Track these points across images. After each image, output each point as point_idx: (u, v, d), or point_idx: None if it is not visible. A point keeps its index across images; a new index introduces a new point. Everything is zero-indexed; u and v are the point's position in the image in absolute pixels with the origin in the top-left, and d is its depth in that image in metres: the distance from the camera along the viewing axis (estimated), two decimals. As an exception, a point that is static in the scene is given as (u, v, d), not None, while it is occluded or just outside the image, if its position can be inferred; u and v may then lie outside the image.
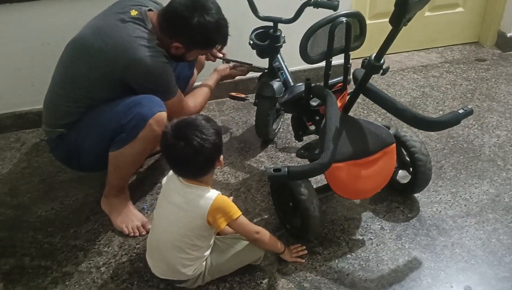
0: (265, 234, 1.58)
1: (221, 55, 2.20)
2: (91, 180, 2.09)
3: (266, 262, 1.70)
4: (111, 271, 1.70)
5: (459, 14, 3.07)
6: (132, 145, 1.68)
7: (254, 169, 2.16)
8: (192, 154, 1.39)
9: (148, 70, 1.68)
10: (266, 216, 1.90)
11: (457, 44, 3.17)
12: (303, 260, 1.70)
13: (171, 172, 1.56)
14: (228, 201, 1.50)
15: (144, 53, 1.66)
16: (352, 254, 1.74)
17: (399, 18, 1.36)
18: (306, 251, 1.72)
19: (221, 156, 1.49)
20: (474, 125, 2.38)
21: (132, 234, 1.82)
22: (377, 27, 2.77)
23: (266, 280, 1.65)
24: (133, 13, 1.72)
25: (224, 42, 1.84)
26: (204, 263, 1.56)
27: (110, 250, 1.78)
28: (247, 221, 1.55)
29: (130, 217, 1.85)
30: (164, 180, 1.59)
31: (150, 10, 1.78)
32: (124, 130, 1.67)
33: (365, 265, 1.69)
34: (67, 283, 1.67)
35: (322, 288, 1.61)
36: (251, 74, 2.28)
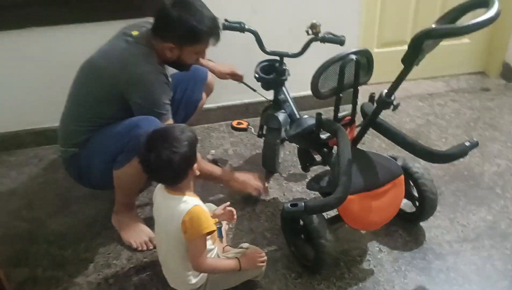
0: (209, 269, 1.59)
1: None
2: (103, 197, 2.18)
3: (266, 280, 1.77)
4: (118, 283, 1.79)
5: (465, 45, 3.15)
6: (131, 165, 1.76)
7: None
8: (161, 166, 1.46)
9: (146, 87, 1.78)
10: (269, 235, 1.98)
11: (463, 74, 3.25)
12: (264, 264, 1.69)
13: (158, 186, 1.64)
14: (202, 216, 1.51)
15: (143, 69, 1.77)
16: (350, 274, 1.80)
17: (411, 59, 1.44)
18: (265, 257, 1.70)
19: (195, 166, 1.55)
20: (476, 153, 2.44)
21: (140, 248, 1.91)
22: (385, 56, 2.86)
23: (265, 297, 1.72)
24: (134, 33, 1.84)
25: (210, 35, 1.83)
26: (207, 274, 1.63)
27: (119, 263, 1.87)
28: (204, 245, 1.55)
29: (138, 232, 1.94)
30: (154, 195, 1.66)
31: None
32: (124, 150, 1.77)
33: (362, 285, 1.75)
34: (77, 293, 1.76)
35: (319, 306, 1.68)
36: (259, 98, 2.37)
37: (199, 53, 1.91)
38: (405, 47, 1.42)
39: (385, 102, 1.62)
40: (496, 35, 3.11)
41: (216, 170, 2.00)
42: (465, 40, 3.14)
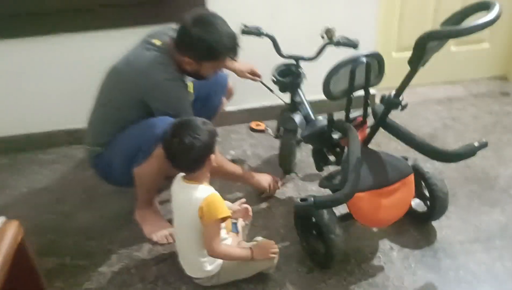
0: (223, 254, 1.68)
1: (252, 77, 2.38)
2: (127, 194, 2.27)
3: (279, 273, 1.84)
4: (139, 273, 1.89)
5: (485, 49, 3.17)
6: (149, 163, 1.86)
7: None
8: (183, 150, 1.59)
9: (165, 94, 1.87)
10: (283, 232, 2.06)
11: (483, 78, 3.26)
12: (276, 256, 1.78)
13: (176, 178, 1.74)
14: (218, 202, 1.63)
15: (162, 77, 1.86)
16: (360, 270, 1.86)
17: (417, 60, 1.51)
18: (277, 249, 1.78)
19: (213, 156, 1.66)
20: (492, 157, 2.46)
21: (160, 241, 2.01)
22: (404, 60, 2.88)
23: None
24: (156, 42, 1.94)
25: (228, 54, 1.91)
26: (221, 262, 1.72)
27: (140, 254, 1.98)
28: (219, 230, 1.66)
29: (159, 227, 2.05)
30: (172, 188, 1.76)
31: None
32: (142, 149, 1.86)
33: (372, 280, 1.81)
34: (101, 281, 1.87)
35: (329, 300, 1.75)
36: (278, 101, 2.46)
37: (217, 68, 2.00)
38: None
39: (393, 102, 1.68)
40: (517, 40, 3.13)
41: (238, 169, 2.13)
42: (485, 44, 3.16)
